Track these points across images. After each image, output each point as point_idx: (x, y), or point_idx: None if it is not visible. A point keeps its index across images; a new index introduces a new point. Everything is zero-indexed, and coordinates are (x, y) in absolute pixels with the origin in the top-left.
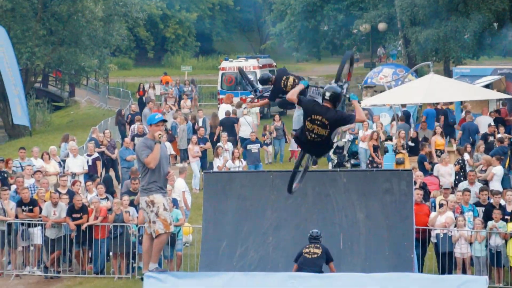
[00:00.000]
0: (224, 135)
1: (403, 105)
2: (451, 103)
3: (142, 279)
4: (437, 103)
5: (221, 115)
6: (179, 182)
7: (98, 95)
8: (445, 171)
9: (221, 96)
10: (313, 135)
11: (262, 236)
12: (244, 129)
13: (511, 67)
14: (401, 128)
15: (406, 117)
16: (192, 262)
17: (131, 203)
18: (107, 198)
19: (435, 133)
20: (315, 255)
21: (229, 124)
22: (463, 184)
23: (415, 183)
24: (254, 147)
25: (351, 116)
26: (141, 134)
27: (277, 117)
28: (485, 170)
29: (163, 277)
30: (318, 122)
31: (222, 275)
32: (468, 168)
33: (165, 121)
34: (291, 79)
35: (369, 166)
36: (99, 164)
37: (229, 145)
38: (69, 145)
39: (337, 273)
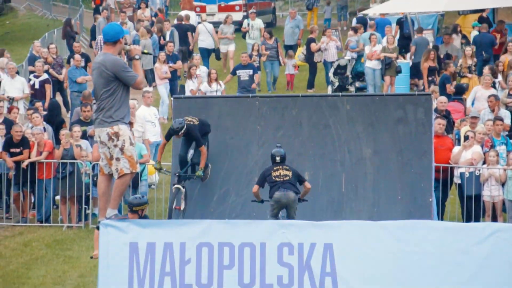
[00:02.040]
0: (197, 56)
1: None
2: (482, 10)
3: (97, 228)
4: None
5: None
6: (141, 110)
7: (41, 1)
8: (484, 95)
9: (194, 4)
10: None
11: (246, 176)
12: (204, 39)
13: None
14: (417, 42)
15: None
16: (159, 208)
17: (84, 135)
18: (44, 129)
19: (506, 50)
20: (287, 177)
21: (181, 33)
22: (486, 112)
23: (436, 110)
24: (244, 73)
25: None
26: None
27: (267, 34)
28: None
29: (124, 226)
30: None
31: (196, 223)
32: (500, 93)
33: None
34: None
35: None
36: (48, 88)
37: (203, 69)
38: (4, 63)
39: (338, 222)
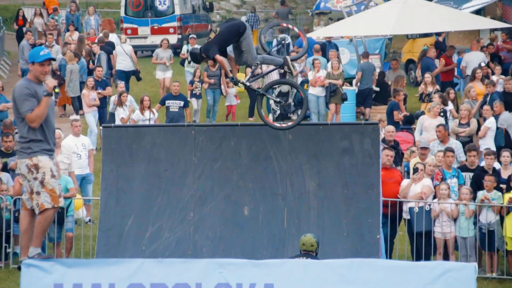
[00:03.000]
0: (121, 84)
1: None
2: (439, 34)
3: (19, 268)
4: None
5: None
6: (69, 140)
7: None
8: (432, 125)
9: (125, 26)
10: None
11: (180, 212)
12: (121, 61)
13: None
14: (363, 68)
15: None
16: (86, 246)
17: (4, 168)
18: None
19: (474, 77)
20: None
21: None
22: (435, 143)
23: (384, 140)
24: (174, 104)
25: None
26: None
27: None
28: (467, 124)
29: (48, 265)
30: None
31: (126, 262)
32: (451, 122)
33: (53, 59)
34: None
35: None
36: None
37: (129, 98)
38: None
39: (279, 260)
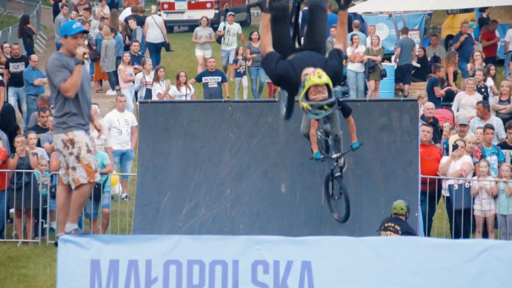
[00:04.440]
0: (149, 61)
1: None
2: (483, 10)
3: (56, 244)
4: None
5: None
6: (111, 115)
7: None
8: (469, 102)
9: (162, 0)
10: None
11: (217, 188)
12: (153, 32)
13: None
14: (402, 44)
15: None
16: (123, 222)
17: (39, 143)
18: None
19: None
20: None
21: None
22: (476, 119)
23: (423, 117)
24: (212, 80)
25: None
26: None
27: (255, 35)
28: (507, 101)
29: (84, 241)
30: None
31: (163, 239)
32: (491, 99)
33: (85, 32)
34: None
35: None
36: (2, 90)
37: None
38: None
39: (317, 237)
